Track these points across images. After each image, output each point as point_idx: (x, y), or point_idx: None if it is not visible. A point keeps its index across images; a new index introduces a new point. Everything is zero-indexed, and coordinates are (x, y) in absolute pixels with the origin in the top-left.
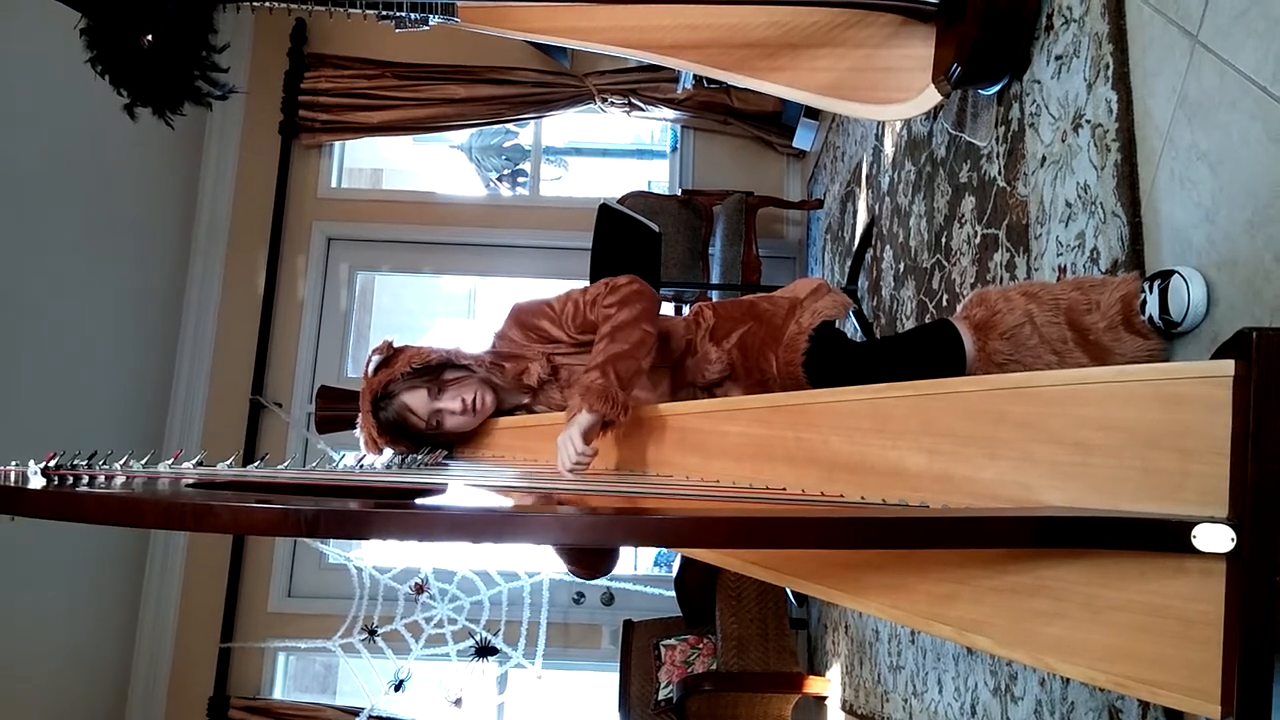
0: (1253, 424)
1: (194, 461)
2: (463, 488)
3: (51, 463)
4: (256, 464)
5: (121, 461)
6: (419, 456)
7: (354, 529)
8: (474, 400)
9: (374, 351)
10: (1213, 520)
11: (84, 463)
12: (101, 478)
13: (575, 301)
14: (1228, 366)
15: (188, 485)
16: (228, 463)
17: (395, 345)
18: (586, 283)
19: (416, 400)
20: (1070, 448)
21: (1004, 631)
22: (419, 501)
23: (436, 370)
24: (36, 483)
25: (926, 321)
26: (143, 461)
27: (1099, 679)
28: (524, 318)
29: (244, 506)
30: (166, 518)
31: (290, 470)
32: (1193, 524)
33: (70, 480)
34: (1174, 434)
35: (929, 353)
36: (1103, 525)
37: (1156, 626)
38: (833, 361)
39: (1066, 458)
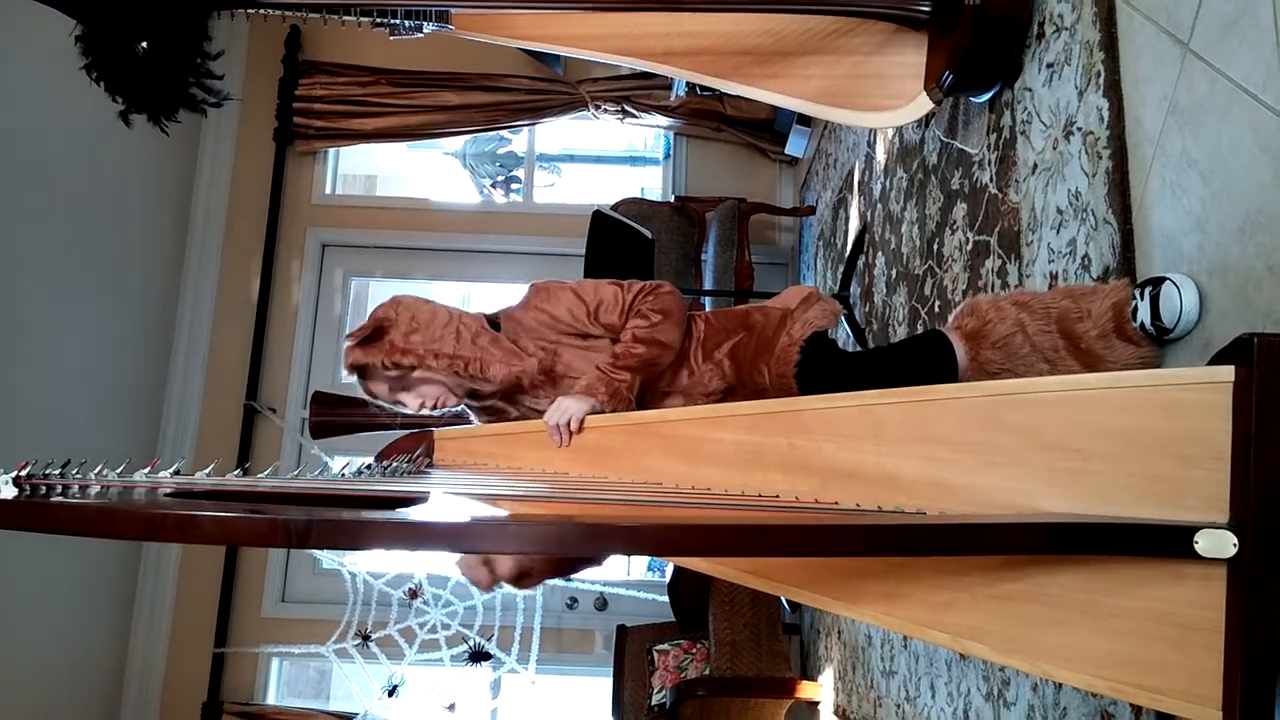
0: (1255, 429)
1: (171, 470)
2: (445, 495)
3: (23, 472)
4: (235, 473)
5: (96, 470)
6: (401, 465)
7: (346, 539)
8: (435, 402)
9: (376, 309)
10: (1214, 526)
11: (57, 472)
12: (75, 487)
13: (615, 295)
14: (1227, 372)
15: (165, 494)
16: (206, 471)
17: (387, 320)
18: None
19: (380, 389)
20: (1068, 454)
21: (1002, 639)
22: (402, 511)
23: (408, 369)
24: (7, 493)
25: (918, 329)
26: (118, 470)
27: (1098, 685)
28: (540, 303)
29: (230, 517)
30: (148, 529)
31: (270, 479)
32: (1195, 529)
33: (44, 490)
34: (1173, 440)
35: (921, 363)
36: (1112, 531)
37: (1157, 632)
38: (825, 373)
39: (1064, 464)
